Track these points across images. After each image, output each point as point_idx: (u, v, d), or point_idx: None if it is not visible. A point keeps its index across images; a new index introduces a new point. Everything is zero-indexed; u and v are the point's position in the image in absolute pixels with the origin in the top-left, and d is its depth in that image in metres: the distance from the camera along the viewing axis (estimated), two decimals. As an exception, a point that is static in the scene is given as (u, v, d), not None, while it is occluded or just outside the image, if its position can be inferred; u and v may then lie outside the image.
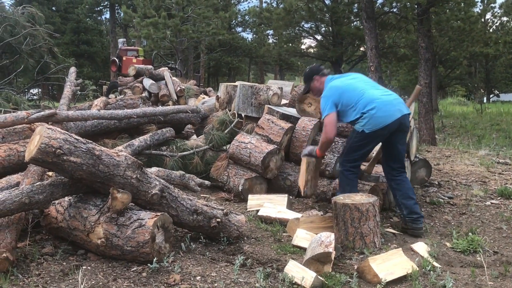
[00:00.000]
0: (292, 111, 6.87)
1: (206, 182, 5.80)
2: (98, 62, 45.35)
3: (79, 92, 12.12)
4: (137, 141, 6.06)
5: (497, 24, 40.56)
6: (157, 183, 4.07)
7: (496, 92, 51.21)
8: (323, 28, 29.65)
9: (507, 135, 15.12)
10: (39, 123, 5.42)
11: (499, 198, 6.81)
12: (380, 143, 5.38)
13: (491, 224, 5.72)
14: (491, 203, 6.60)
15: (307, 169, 5.45)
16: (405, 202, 5.18)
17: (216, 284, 3.58)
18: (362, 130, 5.03)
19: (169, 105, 11.47)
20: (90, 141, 3.86)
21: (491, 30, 37.90)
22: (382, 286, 3.79)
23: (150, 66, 14.55)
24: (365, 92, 5.11)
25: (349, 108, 5.12)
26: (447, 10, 21.13)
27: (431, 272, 4.06)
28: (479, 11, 27.21)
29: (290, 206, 5.62)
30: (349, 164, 5.23)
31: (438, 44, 26.62)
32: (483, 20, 35.75)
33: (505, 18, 35.93)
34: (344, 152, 5.35)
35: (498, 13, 36.95)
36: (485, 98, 45.56)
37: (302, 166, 5.52)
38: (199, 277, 3.68)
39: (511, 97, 48.41)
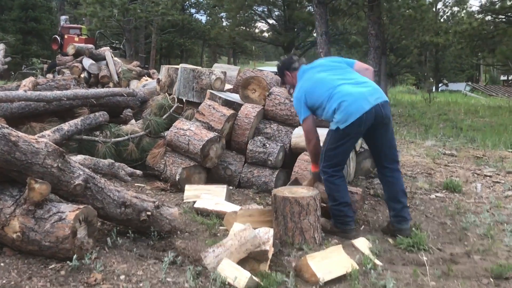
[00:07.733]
0: (236, 97, 6.60)
1: (138, 171, 5.34)
2: (46, 40, 43.76)
3: (26, 71, 11.64)
4: (67, 126, 5.64)
5: (448, 14, 41.47)
6: (81, 172, 3.73)
7: (445, 81, 52.42)
8: (276, 12, 29.62)
9: (454, 125, 15.22)
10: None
11: (444, 191, 6.72)
12: None
13: (435, 218, 5.60)
14: (436, 196, 6.49)
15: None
16: (392, 204, 4.87)
17: (141, 284, 3.30)
18: (337, 128, 4.62)
19: (109, 86, 11.03)
20: (6, 125, 3.50)
21: (442, 20, 38.73)
22: (320, 286, 3.60)
23: (91, 45, 13.95)
24: (335, 87, 4.68)
25: (321, 107, 4.76)
26: (398, -2, 21.33)
27: (372, 270, 3.88)
28: (431, 0, 27.61)
29: (229, 197, 5.35)
30: (331, 170, 4.77)
31: (389, 32, 26.88)
32: (434, 9, 36.43)
33: (456, 8, 36.65)
34: (322, 158, 4.84)
35: (449, 3, 37.70)
36: (433, 87, 46.55)
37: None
38: (123, 276, 3.38)
39: (459, 86, 49.49)
